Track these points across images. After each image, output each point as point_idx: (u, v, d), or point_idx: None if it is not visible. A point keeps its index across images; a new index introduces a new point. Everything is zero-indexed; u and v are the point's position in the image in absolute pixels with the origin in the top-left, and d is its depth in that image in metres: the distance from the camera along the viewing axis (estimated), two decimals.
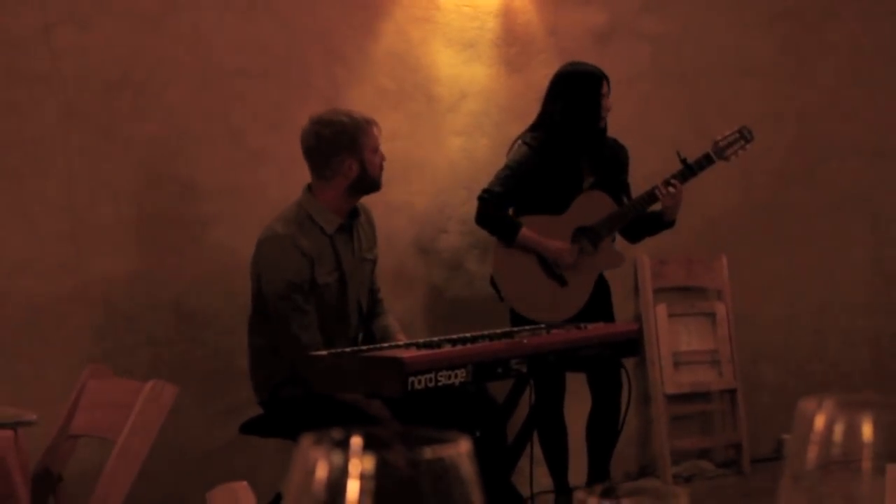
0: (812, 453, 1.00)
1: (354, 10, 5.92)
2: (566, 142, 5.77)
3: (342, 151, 4.98)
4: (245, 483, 2.21)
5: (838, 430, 0.99)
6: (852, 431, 0.99)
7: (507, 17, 6.37)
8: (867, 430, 0.99)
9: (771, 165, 7.20)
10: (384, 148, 5.13)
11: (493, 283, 5.88)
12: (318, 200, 5.00)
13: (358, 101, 5.63)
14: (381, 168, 5.08)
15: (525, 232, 5.72)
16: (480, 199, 5.78)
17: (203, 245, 5.52)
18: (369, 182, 5.05)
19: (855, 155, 7.66)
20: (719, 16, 7.13)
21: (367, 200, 5.17)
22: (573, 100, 5.75)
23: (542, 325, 5.38)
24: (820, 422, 0.99)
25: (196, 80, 5.49)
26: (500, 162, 5.98)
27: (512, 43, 6.38)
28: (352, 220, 5.10)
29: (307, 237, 4.94)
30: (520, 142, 5.84)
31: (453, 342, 4.74)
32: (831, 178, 7.56)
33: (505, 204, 5.77)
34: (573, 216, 5.80)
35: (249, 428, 5.05)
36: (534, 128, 5.85)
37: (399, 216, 5.95)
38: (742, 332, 7.08)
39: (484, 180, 6.01)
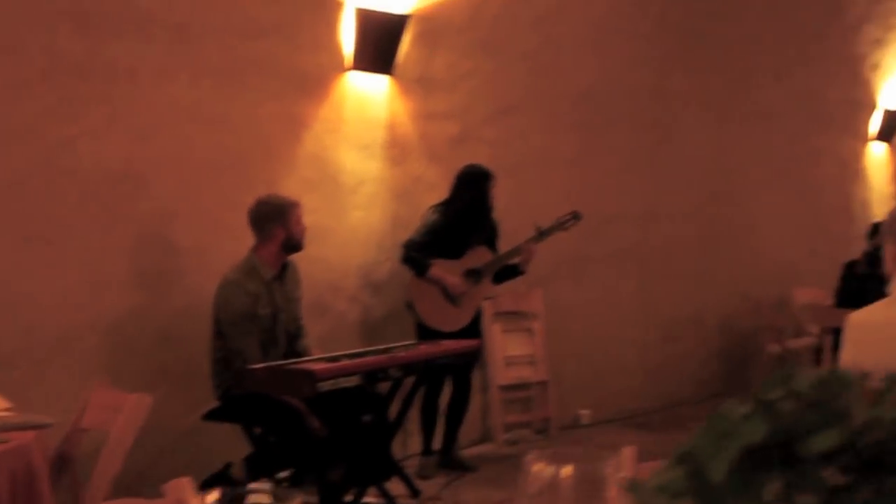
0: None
1: (285, 123, 5.85)
2: (465, 216, 6.07)
3: (275, 223, 5.06)
4: (189, 478, 2.13)
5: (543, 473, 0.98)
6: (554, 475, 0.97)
7: (392, 128, 6.35)
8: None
9: (573, 227, 7.28)
10: (305, 220, 5.28)
11: (408, 304, 6.05)
12: (259, 257, 5.05)
13: (288, 188, 5.63)
14: (303, 234, 5.16)
15: (433, 269, 5.98)
16: (405, 245, 6.00)
17: (181, 288, 5.47)
18: (294, 244, 5.14)
19: (628, 219, 7.80)
20: (535, 124, 7.13)
21: (293, 257, 5.20)
22: (474, 190, 6.08)
23: (415, 342, 5.46)
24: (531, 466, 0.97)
25: (178, 174, 5.43)
26: (391, 229, 6.17)
27: (394, 145, 6.38)
28: (283, 270, 5.14)
29: (251, 282, 4.97)
30: (433, 210, 6.09)
31: (350, 356, 4.81)
32: (612, 236, 7.65)
33: (421, 249, 5.97)
34: (465, 262, 6.12)
35: (209, 416, 5.05)
36: (445, 203, 6.11)
37: (317, 267, 5.88)
38: (552, 341, 7.15)
39: (374, 242, 6.19)
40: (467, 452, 6.64)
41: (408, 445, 6.29)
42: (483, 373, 6.91)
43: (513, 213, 6.30)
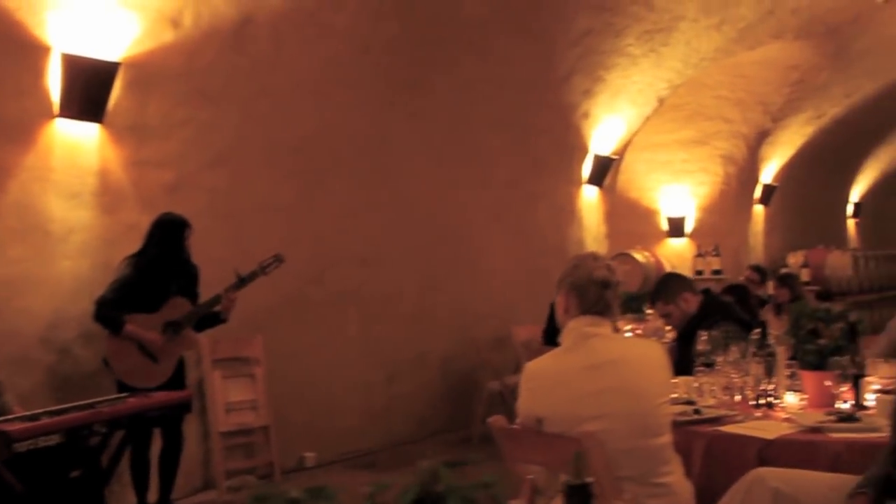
0: None
1: None
2: (160, 266, 5.99)
3: None
4: None
5: None
6: None
7: (103, 175, 6.27)
8: None
9: (294, 271, 7.21)
10: (8, 271, 5.17)
11: (105, 362, 5.92)
12: None
13: None
14: None
15: (128, 326, 5.85)
16: (97, 302, 5.85)
17: None
18: None
19: (350, 262, 8.03)
20: (253, 172, 7.23)
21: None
22: (167, 239, 6.02)
23: (124, 395, 5.36)
24: None
25: None
26: (103, 278, 6.04)
27: (106, 193, 6.33)
28: None
29: None
30: (125, 262, 5.98)
31: (51, 413, 4.72)
32: (334, 279, 7.85)
33: (114, 306, 5.84)
34: (163, 314, 5.98)
35: None
36: (138, 254, 6.02)
37: (23, 319, 5.83)
38: (275, 385, 7.24)
39: (86, 291, 6.06)
40: (188, 501, 6.63)
41: (124, 499, 6.21)
42: (203, 420, 6.91)
43: (232, 261, 6.31)
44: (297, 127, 7.47)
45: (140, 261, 6.01)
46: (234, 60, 6.89)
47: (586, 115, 10.17)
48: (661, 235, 13.84)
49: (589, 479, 1.19)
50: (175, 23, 6.41)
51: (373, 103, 7.99)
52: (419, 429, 8.56)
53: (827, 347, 4.47)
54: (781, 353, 4.59)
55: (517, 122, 9.44)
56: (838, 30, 11.65)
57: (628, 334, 7.99)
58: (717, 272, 13.00)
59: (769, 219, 15.30)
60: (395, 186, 8.37)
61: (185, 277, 6.14)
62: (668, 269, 12.51)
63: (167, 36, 6.40)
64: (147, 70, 6.39)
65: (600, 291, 3.71)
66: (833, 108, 14.41)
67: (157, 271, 6.01)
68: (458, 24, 8.09)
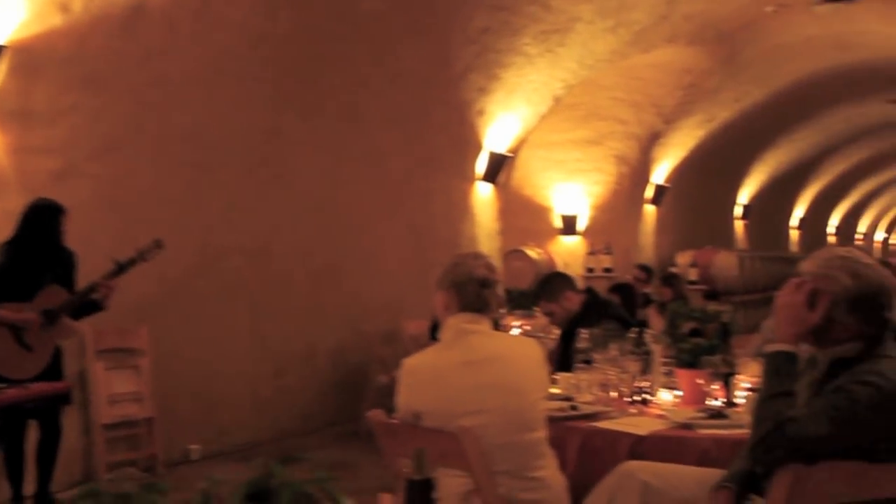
0: None
1: None
2: (33, 254, 5.81)
3: None
4: None
5: None
6: None
7: None
8: None
9: (183, 262, 7.29)
10: None
11: None
12: None
13: None
14: None
15: (2, 312, 5.64)
16: None
17: None
18: None
19: (240, 255, 7.99)
20: (142, 161, 7.14)
21: None
22: (40, 225, 5.84)
23: (2, 386, 5.20)
24: None
25: None
26: None
27: None
28: None
29: None
30: None
31: None
32: (223, 271, 7.81)
33: None
34: (38, 303, 5.76)
35: None
36: (10, 241, 5.83)
37: None
38: (161, 377, 7.17)
39: None
40: (68, 494, 6.54)
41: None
42: (85, 412, 6.84)
43: (118, 251, 6.10)
44: (189, 117, 7.41)
45: (12, 248, 5.83)
46: (125, 47, 6.81)
47: (481, 113, 10.28)
48: (554, 233, 14.04)
49: (430, 475, 1.24)
50: (64, 7, 6.31)
51: (266, 96, 7.97)
52: (306, 422, 8.57)
53: (701, 347, 4.62)
54: (657, 351, 4.74)
55: (412, 118, 9.49)
56: (729, 37, 11.96)
57: (516, 331, 8.10)
58: (608, 270, 13.24)
59: (660, 219, 15.63)
60: (287, 180, 8.36)
61: (60, 265, 5.95)
62: (560, 266, 12.71)
63: (55, 20, 6.30)
64: (34, 54, 6.27)
65: (479, 290, 3.79)
66: (723, 113, 14.79)
67: (30, 259, 5.83)
68: (353, 19, 8.11)
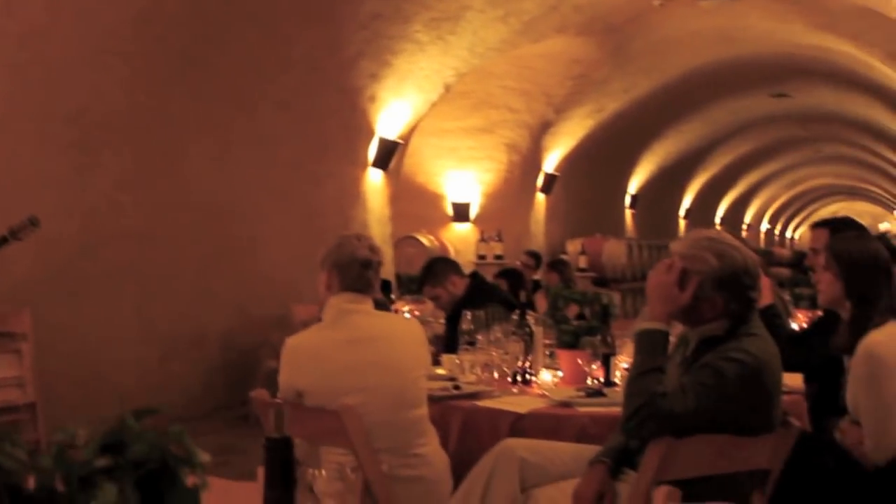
0: None
1: None
2: None
3: None
4: None
5: None
6: None
7: None
8: None
9: (67, 245, 7.21)
10: None
11: None
12: None
13: None
14: None
15: None
16: None
17: None
18: None
19: (127, 238, 7.86)
20: (24, 142, 6.97)
21: None
22: None
23: None
24: None
25: None
26: None
27: None
28: None
29: None
30: None
31: None
32: (109, 255, 7.69)
33: None
34: None
35: None
36: None
37: None
38: (44, 362, 6.96)
39: None
40: None
41: None
42: None
43: None
44: (72, 98, 7.30)
45: None
46: (3, 25, 6.66)
47: (373, 99, 10.30)
48: (446, 220, 14.16)
49: (288, 434, 1.28)
50: None
51: (152, 77, 7.87)
52: (195, 407, 8.50)
53: (581, 328, 4.74)
54: (539, 333, 4.85)
55: (302, 103, 9.47)
56: (618, 28, 12.20)
57: (407, 315, 8.17)
58: (499, 257, 13.41)
59: (550, 207, 15.86)
60: (175, 162, 8.27)
61: None
62: (452, 253, 12.83)
63: None
64: None
65: (362, 270, 3.84)
66: (612, 103, 15.07)
67: None
68: (243, 1, 8.06)
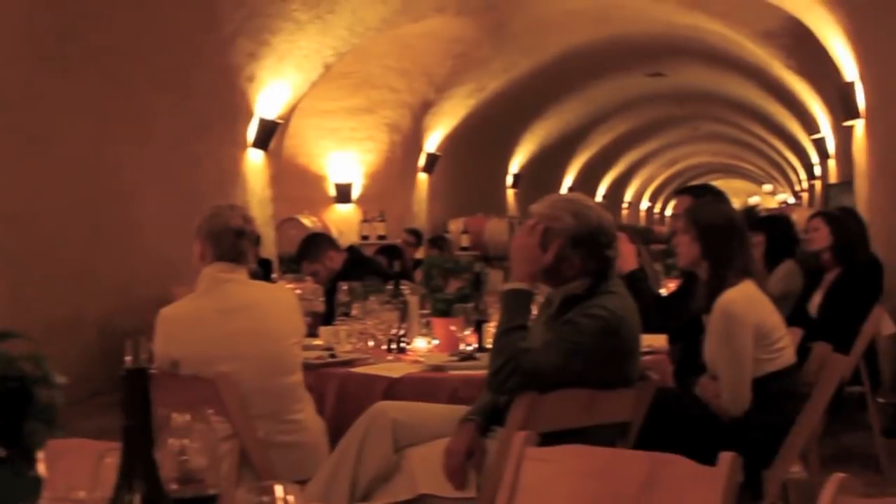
0: None
1: None
2: None
3: None
4: None
5: None
6: None
7: None
8: None
9: None
10: None
11: None
12: None
13: None
14: None
15: None
16: None
17: None
18: None
19: (1, 219, 7.68)
20: None
21: None
22: None
23: None
24: None
25: None
26: None
27: None
28: None
29: None
30: None
31: None
32: None
33: None
34: None
35: None
36: None
37: None
38: None
39: None
40: None
41: None
42: None
43: None
44: None
45: None
46: None
47: (251, 79, 10.27)
48: (328, 201, 14.19)
49: (146, 364, 1.36)
50: None
51: (21, 53, 7.71)
52: (75, 390, 8.34)
53: (455, 296, 4.88)
54: (414, 301, 4.97)
55: (179, 82, 9.40)
56: (497, 7, 12.36)
57: None
58: (381, 237, 13.49)
59: (432, 186, 16.00)
60: (47, 142, 8.13)
61: None
62: (335, 234, 12.87)
63: None
64: None
65: (235, 240, 3.91)
66: (493, 83, 15.25)
67: None
68: None
